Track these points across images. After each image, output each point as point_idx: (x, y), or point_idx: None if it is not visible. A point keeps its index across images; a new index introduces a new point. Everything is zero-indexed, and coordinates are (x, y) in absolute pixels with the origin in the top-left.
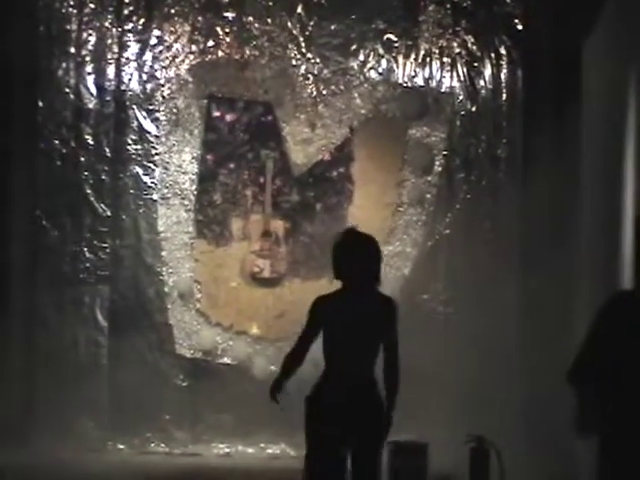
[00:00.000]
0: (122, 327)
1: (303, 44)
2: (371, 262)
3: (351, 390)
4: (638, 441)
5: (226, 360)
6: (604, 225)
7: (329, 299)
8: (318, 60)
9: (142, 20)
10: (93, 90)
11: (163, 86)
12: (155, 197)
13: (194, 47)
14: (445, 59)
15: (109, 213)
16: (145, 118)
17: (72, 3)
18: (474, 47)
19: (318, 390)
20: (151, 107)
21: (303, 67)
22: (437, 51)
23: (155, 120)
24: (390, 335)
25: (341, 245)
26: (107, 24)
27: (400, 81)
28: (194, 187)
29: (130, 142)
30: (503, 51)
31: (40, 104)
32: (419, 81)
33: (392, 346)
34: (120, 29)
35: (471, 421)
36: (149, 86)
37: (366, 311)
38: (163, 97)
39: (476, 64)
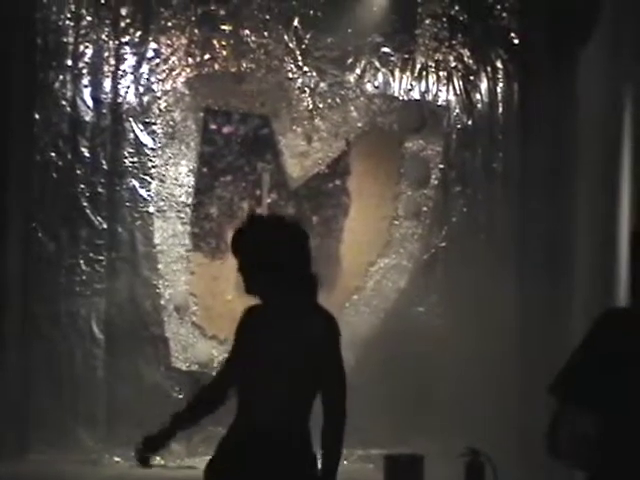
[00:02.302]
0: (118, 340)
1: (299, 57)
2: (296, 259)
3: (266, 451)
4: (626, 468)
5: None
6: (600, 239)
7: (255, 312)
8: (314, 73)
9: (139, 33)
10: (89, 102)
11: (160, 99)
12: (151, 210)
13: (191, 60)
14: (441, 72)
15: (105, 226)
16: (141, 131)
17: (69, 16)
18: (470, 61)
19: (218, 452)
20: (147, 120)
21: (299, 80)
22: (433, 64)
23: (151, 133)
24: (330, 368)
25: (246, 237)
26: (104, 37)
27: (396, 94)
28: (190, 200)
29: (126, 155)
30: (499, 65)
31: (36, 116)
32: (415, 94)
33: (332, 385)
34: (117, 42)
35: (467, 434)
36: (146, 99)
37: (292, 333)
38: (160, 110)
39: (472, 77)
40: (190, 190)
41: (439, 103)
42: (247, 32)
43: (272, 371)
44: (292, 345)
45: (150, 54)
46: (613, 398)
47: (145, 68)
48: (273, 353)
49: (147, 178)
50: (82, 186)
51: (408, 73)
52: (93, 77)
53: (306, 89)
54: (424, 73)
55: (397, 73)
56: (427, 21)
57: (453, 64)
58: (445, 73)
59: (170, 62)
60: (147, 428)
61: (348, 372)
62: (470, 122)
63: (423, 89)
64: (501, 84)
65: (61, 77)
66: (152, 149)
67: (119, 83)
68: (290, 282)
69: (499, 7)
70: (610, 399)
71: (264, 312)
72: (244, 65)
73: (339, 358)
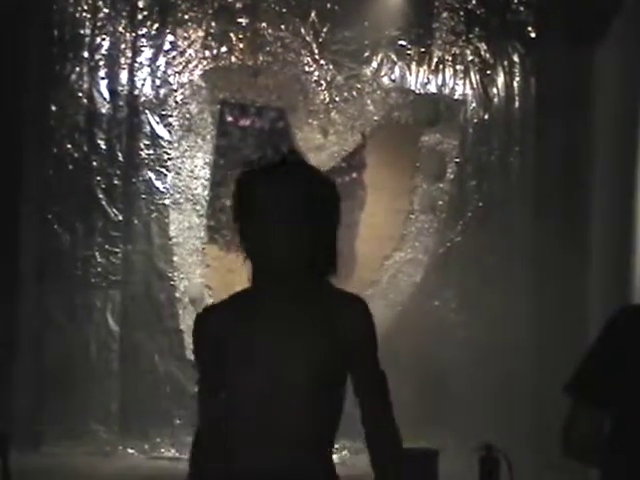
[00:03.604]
0: (133, 332)
1: (316, 50)
2: (312, 221)
3: None
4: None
5: None
6: (616, 234)
7: (223, 311)
8: (331, 67)
9: (156, 25)
10: (106, 95)
11: (176, 91)
12: (167, 202)
13: (207, 53)
14: (458, 66)
15: (121, 218)
16: (158, 123)
17: (86, 8)
18: (487, 55)
19: None
20: (164, 112)
21: (316, 73)
22: (450, 58)
23: (168, 125)
24: (366, 364)
25: (247, 188)
26: (121, 29)
27: (413, 88)
28: (206, 192)
29: (142, 147)
30: (516, 59)
31: (53, 108)
32: (432, 88)
33: (374, 384)
34: (134, 34)
35: (482, 429)
36: (162, 91)
37: (304, 327)
38: (176, 102)
39: (489, 72)
40: (206, 183)
41: (455, 97)
42: (264, 25)
43: (280, 390)
44: (308, 346)
45: (167, 46)
46: (628, 397)
47: (162, 61)
48: (280, 361)
49: (163, 170)
50: (98, 178)
51: (425, 67)
52: (110, 69)
53: (322, 82)
54: (441, 67)
55: (414, 67)
56: (444, 15)
57: (470, 58)
58: (462, 67)
59: (187, 55)
60: (161, 420)
61: None
62: (486, 116)
63: (440, 83)
64: (518, 78)
65: (78, 69)
66: (168, 141)
67: (135, 75)
68: (315, 252)
69: (516, 1)
70: (625, 398)
71: (253, 303)
72: (261, 58)
73: (375, 346)
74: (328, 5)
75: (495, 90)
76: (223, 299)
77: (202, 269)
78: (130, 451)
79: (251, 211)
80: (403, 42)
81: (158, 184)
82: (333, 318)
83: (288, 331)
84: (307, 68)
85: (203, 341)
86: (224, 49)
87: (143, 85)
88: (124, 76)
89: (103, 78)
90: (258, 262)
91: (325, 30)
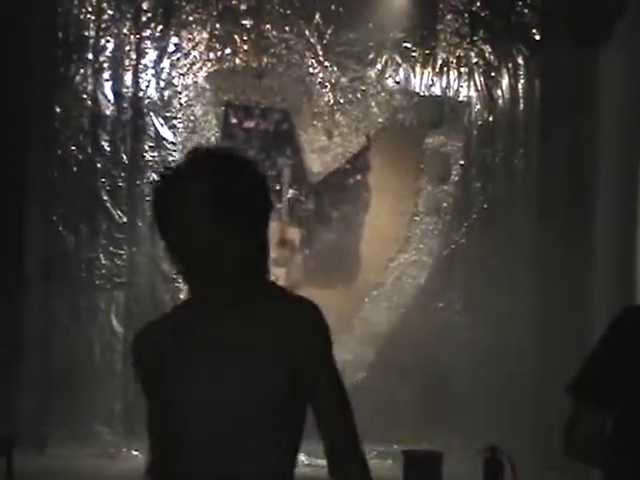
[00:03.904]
0: None
1: (320, 52)
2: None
3: None
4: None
5: None
6: (621, 236)
7: (160, 329)
8: (335, 68)
9: (160, 27)
10: (110, 97)
11: (180, 93)
12: None
13: (212, 55)
14: (462, 68)
15: (125, 220)
16: (162, 125)
17: (90, 9)
18: (491, 57)
19: None
20: (168, 114)
21: (320, 75)
22: (454, 60)
23: (172, 127)
24: (322, 383)
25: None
26: (125, 31)
27: (417, 90)
28: None
29: (147, 149)
30: (520, 61)
31: (57, 110)
32: (436, 90)
33: (333, 409)
34: (138, 36)
35: (486, 430)
36: (166, 93)
37: (255, 336)
38: (180, 104)
39: (493, 74)
40: None
41: (460, 99)
42: (268, 27)
43: (222, 411)
44: (256, 357)
45: (171, 48)
46: (630, 398)
47: (166, 62)
48: (226, 374)
49: None
50: (102, 180)
51: (429, 69)
52: (114, 71)
53: (327, 84)
54: (445, 69)
55: (418, 69)
56: (448, 17)
57: (474, 60)
58: (466, 69)
59: (191, 56)
60: None
61: (367, 367)
62: (491, 118)
63: (444, 85)
64: (522, 80)
65: (82, 71)
66: (173, 143)
67: (140, 77)
68: (249, 254)
69: (520, 3)
70: (628, 398)
71: (189, 317)
72: (265, 60)
73: (334, 365)
74: (332, 7)
75: (499, 92)
76: (165, 313)
77: None
78: (134, 453)
79: (160, 224)
80: (407, 44)
81: None
82: (278, 328)
83: (225, 347)
84: (311, 70)
85: (140, 362)
86: (228, 51)
87: (147, 87)
88: (128, 78)
89: (107, 80)
90: (181, 277)
91: (329, 32)
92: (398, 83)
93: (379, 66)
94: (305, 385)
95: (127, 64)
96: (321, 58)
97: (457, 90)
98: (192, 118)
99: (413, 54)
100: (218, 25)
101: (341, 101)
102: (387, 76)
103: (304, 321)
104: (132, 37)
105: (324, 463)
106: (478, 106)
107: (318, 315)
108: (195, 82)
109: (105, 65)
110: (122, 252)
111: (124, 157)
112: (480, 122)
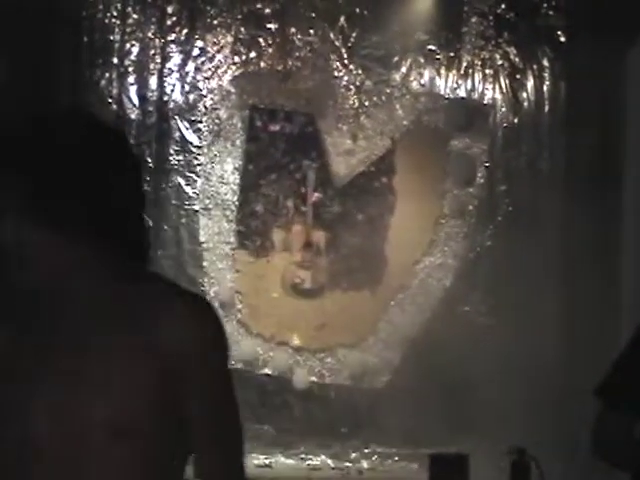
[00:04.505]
0: None
1: (345, 55)
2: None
3: None
4: None
5: (267, 371)
6: None
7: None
8: (360, 71)
9: (185, 31)
10: (135, 100)
11: (205, 97)
12: (197, 208)
13: (236, 58)
14: (487, 71)
15: (151, 223)
16: (187, 129)
17: (115, 14)
18: (516, 59)
19: None
20: (193, 118)
21: (345, 78)
22: (479, 63)
23: (197, 131)
24: (206, 408)
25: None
26: (150, 35)
27: (442, 92)
28: (236, 198)
29: (172, 153)
30: (546, 63)
31: None
32: (461, 93)
33: (211, 436)
34: (163, 40)
35: (513, 433)
36: (191, 97)
37: (119, 342)
38: (205, 108)
39: (518, 76)
40: (235, 188)
41: (485, 101)
42: (293, 30)
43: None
44: (108, 379)
45: (196, 52)
46: None
47: (191, 66)
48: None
49: (192, 176)
50: None
51: (454, 71)
52: (139, 75)
53: (352, 87)
54: (470, 71)
55: (443, 71)
56: (473, 19)
57: (499, 62)
58: (491, 71)
59: (216, 60)
60: None
61: (393, 370)
62: (516, 121)
63: (469, 87)
64: (547, 83)
65: (107, 75)
66: (198, 147)
67: (165, 81)
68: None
69: (546, 5)
70: None
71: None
72: (290, 63)
73: (229, 386)
74: (357, 10)
75: (525, 94)
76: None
77: (232, 274)
78: None
79: None
80: (432, 47)
81: (188, 190)
82: (154, 331)
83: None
84: (336, 73)
85: None
86: (253, 54)
87: (172, 91)
88: (153, 82)
89: (132, 84)
90: None
91: (354, 35)
92: (423, 86)
93: (404, 69)
94: (180, 406)
95: (152, 68)
96: (346, 61)
97: (482, 92)
98: (217, 121)
99: (438, 57)
100: (243, 29)
101: (366, 104)
102: (412, 79)
103: (186, 325)
104: (157, 41)
105: (350, 465)
106: (503, 108)
107: (208, 318)
108: (220, 85)
109: (130, 69)
110: None
111: (149, 161)
112: (505, 124)
